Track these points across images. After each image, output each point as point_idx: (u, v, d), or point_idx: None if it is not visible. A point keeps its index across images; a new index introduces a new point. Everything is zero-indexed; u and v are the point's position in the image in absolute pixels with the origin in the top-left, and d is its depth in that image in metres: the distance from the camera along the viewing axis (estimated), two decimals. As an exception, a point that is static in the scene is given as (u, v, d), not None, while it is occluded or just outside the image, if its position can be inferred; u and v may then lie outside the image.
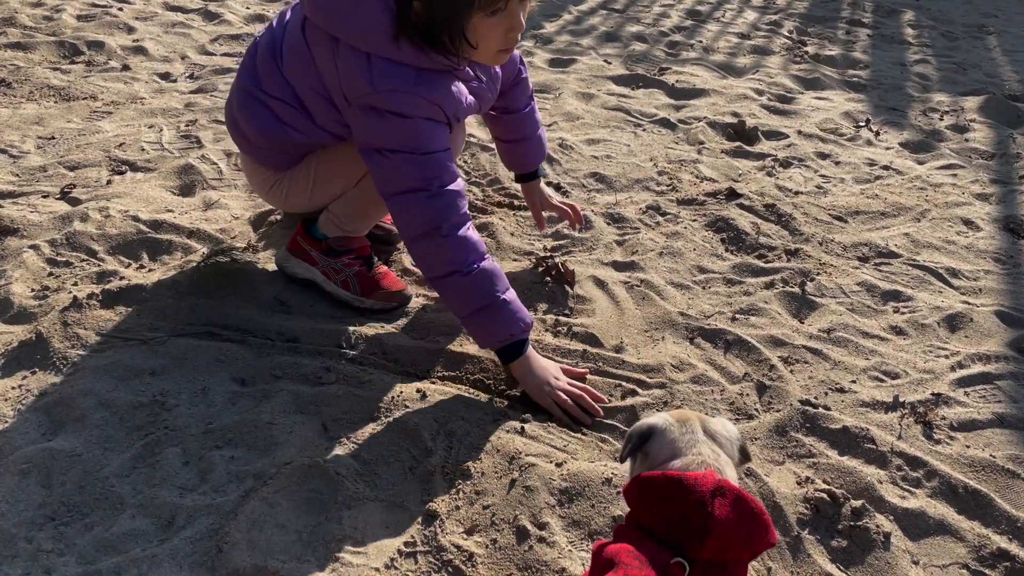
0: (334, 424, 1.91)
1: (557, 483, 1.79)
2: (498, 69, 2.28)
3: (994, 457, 1.95)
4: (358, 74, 1.91)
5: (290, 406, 1.95)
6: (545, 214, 2.70)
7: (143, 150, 3.24)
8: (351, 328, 2.24)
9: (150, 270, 2.44)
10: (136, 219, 2.65)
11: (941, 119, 4.28)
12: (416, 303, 2.38)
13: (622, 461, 1.40)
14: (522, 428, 1.95)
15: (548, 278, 2.51)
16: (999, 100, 4.49)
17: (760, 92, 4.51)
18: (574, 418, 2.00)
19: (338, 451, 1.83)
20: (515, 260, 2.67)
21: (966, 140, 4.02)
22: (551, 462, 1.84)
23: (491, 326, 2.00)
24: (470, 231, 2.01)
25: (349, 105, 1.98)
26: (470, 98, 2.09)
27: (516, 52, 2.44)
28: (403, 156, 1.94)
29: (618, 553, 1.14)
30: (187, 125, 3.50)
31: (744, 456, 1.42)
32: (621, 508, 1.74)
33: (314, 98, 2.05)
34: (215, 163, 3.13)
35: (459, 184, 2.01)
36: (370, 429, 1.90)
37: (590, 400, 2.02)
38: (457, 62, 1.98)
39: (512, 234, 2.85)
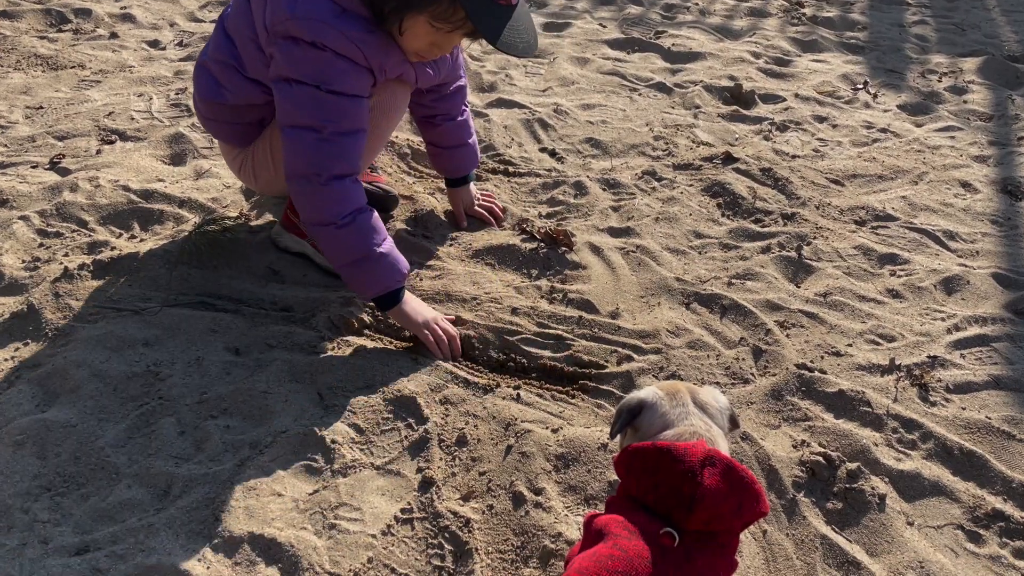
0: (329, 393, 1.91)
1: (553, 449, 1.79)
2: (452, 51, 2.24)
3: (990, 419, 1.95)
4: (282, 1, 1.87)
5: (285, 375, 1.95)
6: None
7: (133, 119, 3.20)
8: (345, 296, 2.22)
9: (141, 240, 2.42)
10: (127, 189, 2.62)
11: (940, 81, 4.24)
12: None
13: (612, 437, 1.37)
14: (517, 395, 1.94)
15: (541, 244, 2.49)
16: (998, 61, 4.44)
17: (757, 55, 4.46)
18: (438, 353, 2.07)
19: (333, 419, 1.83)
20: (511, 228, 2.64)
21: (964, 102, 3.98)
22: (547, 428, 1.84)
23: (366, 278, 2.00)
24: (349, 184, 1.94)
25: (270, 36, 1.92)
26: (403, 60, 2.02)
27: (462, 56, 2.41)
28: (307, 89, 1.87)
29: (608, 524, 1.13)
30: (177, 93, 3.45)
31: (733, 424, 1.41)
32: (617, 475, 1.74)
33: (246, 46, 2.03)
34: (206, 132, 3.09)
35: (357, 137, 1.94)
36: (365, 397, 1.90)
37: (457, 344, 2.09)
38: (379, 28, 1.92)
39: (509, 201, 2.83)
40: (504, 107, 3.53)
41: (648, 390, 1.36)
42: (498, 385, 1.98)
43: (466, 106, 2.53)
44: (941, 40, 4.91)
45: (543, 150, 3.23)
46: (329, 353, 2.02)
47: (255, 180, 2.30)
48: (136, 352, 1.99)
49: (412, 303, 2.09)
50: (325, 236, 1.97)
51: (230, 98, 2.13)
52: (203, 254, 2.31)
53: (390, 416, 1.86)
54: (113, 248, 2.35)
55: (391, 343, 2.11)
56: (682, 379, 2.04)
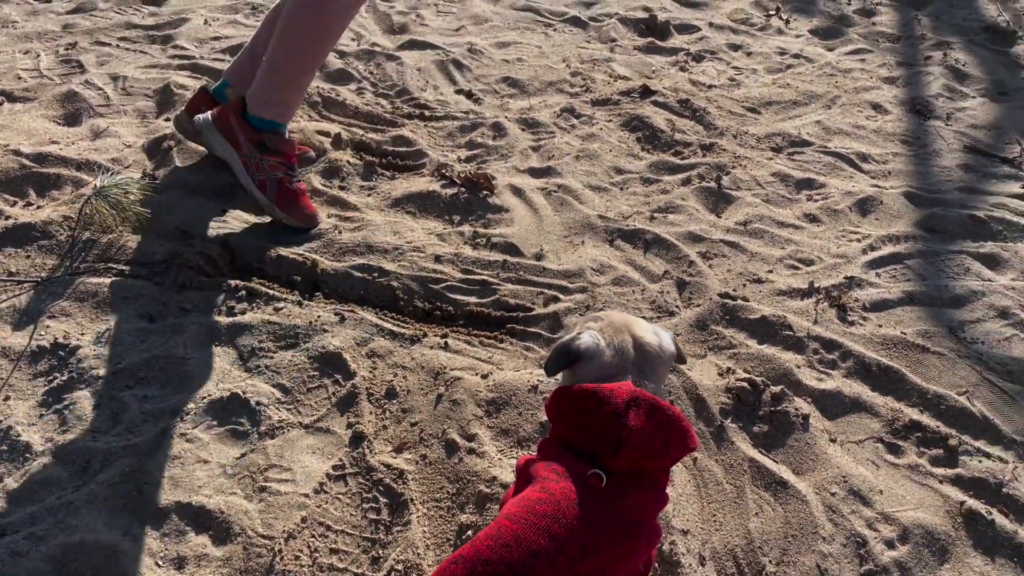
0: (251, 354, 1.85)
1: (484, 394, 1.78)
2: None
3: (905, 334, 2.02)
4: None
5: (204, 339, 1.88)
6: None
7: (20, 78, 2.99)
8: (262, 255, 2.15)
9: (39, 207, 2.28)
10: (18, 153, 2.46)
11: (848, 3, 4.29)
12: (328, 223, 2.29)
13: (549, 375, 1.33)
14: (445, 344, 1.92)
15: (462, 189, 2.45)
16: (904, -18, 4.51)
17: (671, -15, 4.42)
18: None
19: (258, 381, 1.78)
20: (431, 174, 2.58)
21: (873, 24, 4.04)
22: (476, 374, 1.83)
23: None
24: None
25: None
26: None
27: None
28: None
29: (537, 467, 1.13)
30: (67, 49, 3.23)
31: (679, 360, 1.38)
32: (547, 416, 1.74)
33: None
34: (101, 88, 2.91)
35: None
36: (290, 356, 1.85)
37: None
38: None
39: (428, 145, 2.76)
40: (417, 49, 3.42)
41: (590, 336, 1.28)
42: (425, 335, 1.95)
43: None
44: (849, -37, 4.94)
45: (459, 92, 3.15)
46: (249, 314, 1.95)
47: None
48: (42, 325, 1.89)
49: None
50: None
51: None
52: (107, 218, 2.19)
53: (316, 373, 1.82)
54: (8, 217, 2.21)
55: (311, 300, 2.05)
56: (609, 316, 2.04)
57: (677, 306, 2.11)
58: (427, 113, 2.95)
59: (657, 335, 1.32)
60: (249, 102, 2.20)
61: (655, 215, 2.46)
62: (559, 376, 1.34)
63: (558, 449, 1.21)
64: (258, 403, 1.72)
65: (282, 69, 2.14)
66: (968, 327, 2.05)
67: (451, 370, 1.83)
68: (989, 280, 2.21)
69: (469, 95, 3.13)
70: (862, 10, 4.19)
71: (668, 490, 1.56)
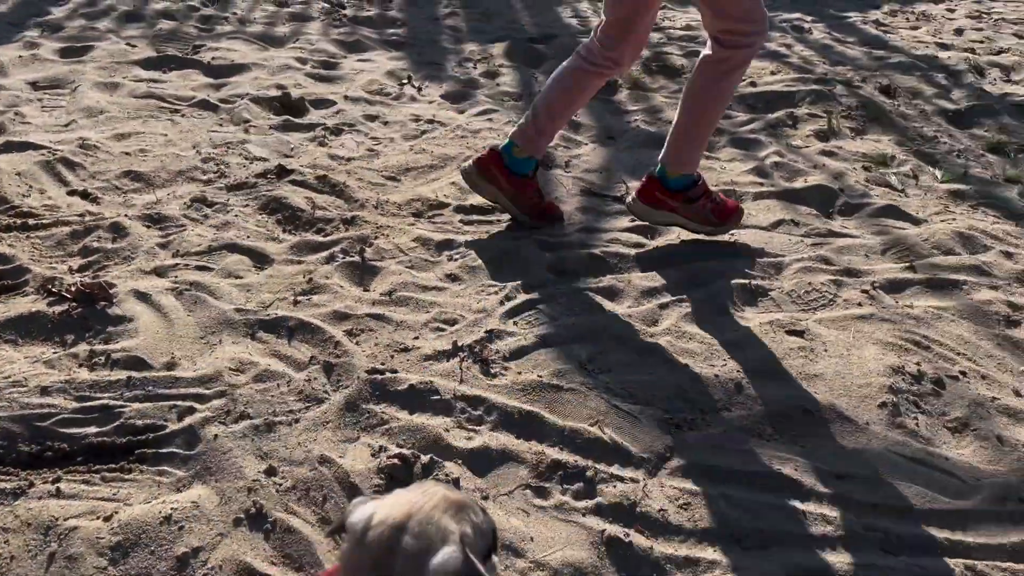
0: None
1: (107, 540, 1.57)
2: None
3: (541, 376, 2.13)
4: None
5: None
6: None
7: None
8: None
9: None
10: None
11: (475, 67, 4.59)
12: None
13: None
14: (57, 490, 1.67)
15: (74, 304, 2.19)
16: (521, 44, 4.94)
17: (303, 61, 4.43)
18: None
19: None
20: (35, 292, 2.29)
21: (498, 85, 4.36)
22: (97, 517, 1.61)
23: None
24: None
25: None
26: None
27: None
28: None
29: None
30: None
31: None
32: (186, 544, 1.58)
33: None
34: None
35: None
36: None
37: None
38: None
39: (32, 259, 2.45)
40: (15, 151, 3.06)
41: (364, 511, 1.05)
42: (32, 484, 1.69)
43: None
44: (472, 29, 5.33)
45: (72, 193, 2.86)
46: None
47: None
48: None
49: None
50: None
51: None
52: None
53: None
54: None
55: None
56: (252, 418, 1.92)
57: (326, 392, 2.04)
58: (31, 222, 2.64)
59: (428, 543, 1.01)
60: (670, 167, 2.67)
61: (299, 299, 2.39)
62: None
63: None
64: None
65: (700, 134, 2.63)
66: (596, 359, 2.22)
67: (64, 520, 1.60)
68: (610, 311, 2.42)
69: (84, 195, 2.86)
70: (487, 72, 4.51)
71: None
